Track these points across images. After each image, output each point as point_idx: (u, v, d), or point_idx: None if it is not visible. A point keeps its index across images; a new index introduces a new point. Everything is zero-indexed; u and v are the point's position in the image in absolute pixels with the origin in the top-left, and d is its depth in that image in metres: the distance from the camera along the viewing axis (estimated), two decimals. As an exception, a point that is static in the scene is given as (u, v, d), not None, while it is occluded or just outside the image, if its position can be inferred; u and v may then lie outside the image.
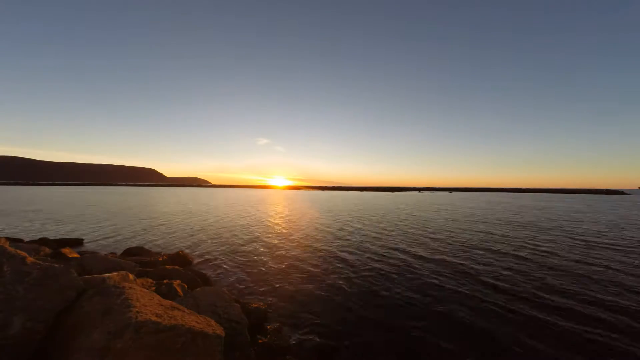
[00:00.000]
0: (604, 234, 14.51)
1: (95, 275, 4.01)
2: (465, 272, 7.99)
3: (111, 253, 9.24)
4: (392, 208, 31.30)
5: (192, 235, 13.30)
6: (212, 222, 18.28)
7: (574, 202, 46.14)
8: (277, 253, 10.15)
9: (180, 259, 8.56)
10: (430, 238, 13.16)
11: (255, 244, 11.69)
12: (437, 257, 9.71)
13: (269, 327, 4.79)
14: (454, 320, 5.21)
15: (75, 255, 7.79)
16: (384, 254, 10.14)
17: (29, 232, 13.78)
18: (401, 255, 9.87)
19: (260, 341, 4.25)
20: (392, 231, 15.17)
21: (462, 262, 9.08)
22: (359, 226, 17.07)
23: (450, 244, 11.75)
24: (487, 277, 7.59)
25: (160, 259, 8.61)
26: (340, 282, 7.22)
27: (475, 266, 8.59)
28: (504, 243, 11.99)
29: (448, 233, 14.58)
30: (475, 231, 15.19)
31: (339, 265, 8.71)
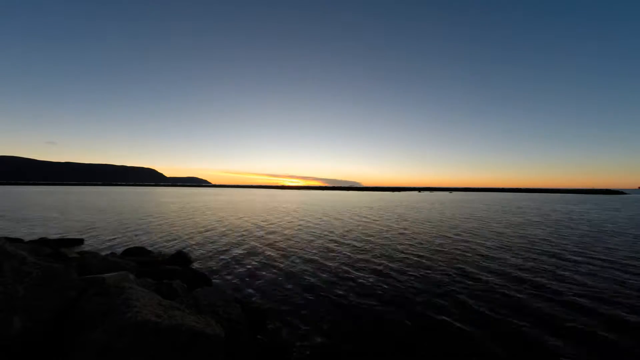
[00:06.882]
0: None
1: (95, 275, 4.02)
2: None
3: (111, 253, 9.23)
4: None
5: (192, 235, 13.29)
6: (212, 221, 18.27)
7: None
8: (277, 253, 10.14)
9: (180, 259, 8.54)
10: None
11: (255, 243, 11.68)
12: (444, 258, 9.72)
13: (269, 327, 4.79)
14: (467, 323, 5.20)
15: (75, 255, 7.79)
16: (385, 254, 10.14)
17: (29, 232, 13.76)
18: (405, 256, 9.88)
19: (260, 341, 4.25)
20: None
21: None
22: (359, 227, 17.07)
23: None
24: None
25: (160, 259, 8.60)
26: (343, 282, 7.20)
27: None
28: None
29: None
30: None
31: (340, 265, 8.70)
